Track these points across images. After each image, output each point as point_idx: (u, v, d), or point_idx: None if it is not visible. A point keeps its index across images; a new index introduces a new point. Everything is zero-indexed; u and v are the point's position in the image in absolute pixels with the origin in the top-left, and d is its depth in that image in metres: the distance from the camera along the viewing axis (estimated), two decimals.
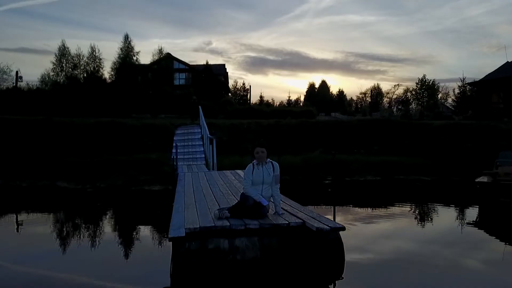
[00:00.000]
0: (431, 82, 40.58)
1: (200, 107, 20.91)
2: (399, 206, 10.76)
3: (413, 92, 42.78)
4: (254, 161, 5.81)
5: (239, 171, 11.57)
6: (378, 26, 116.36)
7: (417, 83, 40.86)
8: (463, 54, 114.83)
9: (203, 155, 17.08)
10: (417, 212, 10.38)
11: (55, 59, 40.88)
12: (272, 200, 5.85)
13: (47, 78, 44.91)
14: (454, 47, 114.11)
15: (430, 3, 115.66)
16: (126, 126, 19.99)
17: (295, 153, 18.43)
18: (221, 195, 7.71)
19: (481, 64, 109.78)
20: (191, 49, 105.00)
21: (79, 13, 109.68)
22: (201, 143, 18.37)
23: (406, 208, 10.69)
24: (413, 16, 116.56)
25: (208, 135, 14.90)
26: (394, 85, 76.73)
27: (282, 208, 5.97)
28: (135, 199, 11.69)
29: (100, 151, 17.12)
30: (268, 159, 5.89)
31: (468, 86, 36.43)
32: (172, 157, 16.81)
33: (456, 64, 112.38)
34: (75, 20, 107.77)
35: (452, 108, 73.57)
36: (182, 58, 52.77)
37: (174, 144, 18.69)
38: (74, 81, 39.62)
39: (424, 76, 40.32)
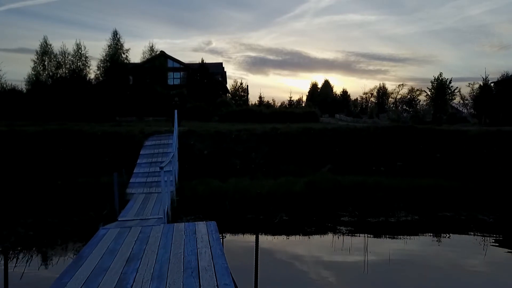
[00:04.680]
0: (448, 80, 35.36)
1: (176, 111, 16.00)
2: None
3: (429, 93, 37.47)
4: None
5: (202, 226, 6.63)
6: (378, 25, 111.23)
7: (432, 82, 35.73)
8: (465, 54, 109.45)
9: (173, 178, 12.12)
10: None
11: (36, 57, 36.07)
12: None
13: (34, 79, 39.81)
14: (456, 46, 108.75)
15: (430, 2, 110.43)
16: (82, 136, 15.10)
17: (297, 172, 13.49)
18: None
19: (483, 64, 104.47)
20: (190, 49, 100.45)
21: (79, 13, 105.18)
22: (175, 155, 13.43)
23: None
24: (413, 16, 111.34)
25: (162, 166, 8.43)
26: (398, 85, 71.58)
27: None
28: None
29: (31, 172, 12.24)
30: None
31: (493, 85, 31.16)
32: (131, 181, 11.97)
33: (457, 64, 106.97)
34: (75, 20, 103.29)
35: (460, 109, 68.32)
36: (182, 58, 48.25)
37: (139, 160, 13.92)
38: (55, 81, 34.79)
39: (440, 74, 35.12)
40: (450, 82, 35.52)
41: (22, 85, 41.00)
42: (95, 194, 10.45)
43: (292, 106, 51.49)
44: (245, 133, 16.36)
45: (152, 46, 41.43)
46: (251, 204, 10.51)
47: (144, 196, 10.76)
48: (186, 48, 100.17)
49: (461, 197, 11.29)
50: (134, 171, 12.75)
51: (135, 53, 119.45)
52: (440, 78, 35.22)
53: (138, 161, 13.65)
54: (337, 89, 65.69)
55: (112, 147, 14.56)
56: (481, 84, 35.15)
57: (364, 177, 12.69)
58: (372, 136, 16.49)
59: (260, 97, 50.69)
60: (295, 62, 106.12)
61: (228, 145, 15.48)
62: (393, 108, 59.10)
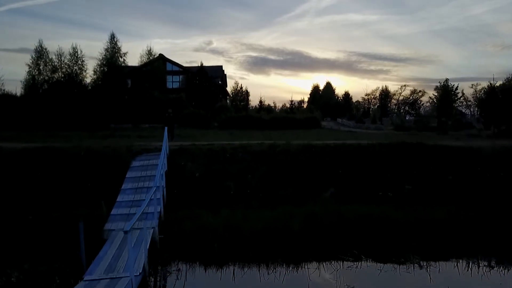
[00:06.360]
0: (454, 87, 33.67)
1: (166, 128, 14.70)
2: None
3: (434, 99, 35.88)
4: None
5: None
6: (380, 25, 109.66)
7: (437, 88, 34.11)
8: (467, 53, 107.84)
9: (159, 208, 10.77)
10: None
11: (31, 61, 34.72)
12: None
13: (31, 82, 38.17)
14: (458, 46, 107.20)
15: (432, 1, 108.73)
16: (64, 155, 13.81)
17: (296, 199, 12.16)
18: None
19: (485, 63, 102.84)
20: (191, 49, 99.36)
21: (80, 13, 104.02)
22: (162, 184, 12.08)
23: None
24: (415, 15, 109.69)
25: (127, 230, 6.57)
26: (401, 86, 69.99)
27: None
28: None
29: (0, 203, 10.91)
30: None
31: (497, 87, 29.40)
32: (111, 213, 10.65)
33: (460, 63, 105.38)
34: (75, 20, 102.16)
35: (463, 110, 66.69)
36: (183, 58, 47.14)
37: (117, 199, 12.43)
38: (50, 86, 33.43)
39: (446, 80, 33.43)
40: (456, 88, 33.95)
41: (20, 87, 39.97)
42: (68, 235, 9.11)
43: (293, 109, 50.04)
44: (241, 151, 15.03)
45: (150, 49, 40.09)
46: (243, 245, 9.21)
47: (123, 235, 9.45)
48: (186, 48, 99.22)
49: (478, 235, 9.91)
50: (117, 200, 11.43)
51: (135, 53, 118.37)
52: (446, 84, 33.57)
53: (123, 186, 12.33)
54: (339, 90, 64.26)
55: (96, 169, 13.24)
56: (486, 88, 33.63)
57: (370, 207, 11.34)
58: (377, 154, 15.13)
59: (261, 101, 49.22)
60: (296, 62, 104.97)
61: (222, 165, 14.14)
62: (396, 111, 57.58)
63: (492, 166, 14.08)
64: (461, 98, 36.71)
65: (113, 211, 10.76)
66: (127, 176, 12.88)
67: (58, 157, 13.73)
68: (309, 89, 62.08)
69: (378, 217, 10.59)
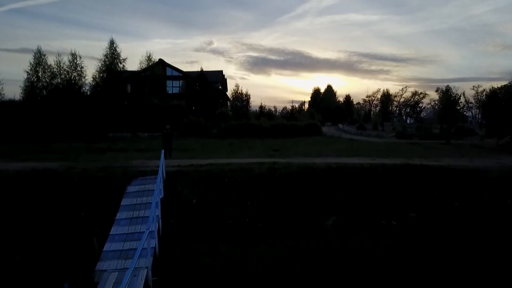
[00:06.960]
0: (457, 96, 33.01)
1: (163, 151, 14.19)
2: None
3: (436, 105, 35.28)
4: None
5: None
6: (381, 25, 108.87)
7: (439, 94, 33.47)
8: (468, 53, 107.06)
9: (153, 243, 10.25)
10: None
11: (29, 67, 34.23)
12: None
13: (30, 88, 37.52)
14: (459, 46, 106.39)
15: (433, 1, 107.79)
16: (58, 179, 13.32)
17: (297, 231, 11.64)
18: None
19: (486, 63, 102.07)
20: (192, 49, 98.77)
21: (81, 13, 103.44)
22: (157, 213, 11.55)
23: None
24: (416, 15, 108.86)
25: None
26: (402, 88, 69.21)
27: None
28: None
29: None
30: None
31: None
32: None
33: (461, 64, 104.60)
34: (76, 20, 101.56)
35: (465, 112, 65.97)
36: (183, 58, 46.91)
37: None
38: (49, 94, 32.90)
39: (447, 86, 32.80)
40: (459, 98, 33.31)
41: (19, 91, 39.61)
42: (56, 279, 8.61)
43: (294, 113, 49.35)
44: (240, 174, 14.52)
45: (150, 55, 39.50)
46: None
47: (116, 277, 8.95)
48: (187, 48, 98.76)
49: (488, 277, 9.38)
50: (111, 233, 10.91)
51: (136, 54, 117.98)
52: (448, 90, 32.89)
53: (118, 215, 11.82)
54: (340, 91, 63.74)
55: (90, 195, 12.72)
56: (488, 92, 33.01)
57: (374, 241, 10.82)
58: (380, 177, 14.61)
59: (261, 107, 48.44)
60: (296, 62, 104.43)
61: (220, 190, 13.62)
62: (397, 114, 56.96)
63: (499, 192, 13.55)
64: (464, 108, 36.13)
65: (106, 247, 10.26)
66: (122, 204, 12.36)
67: (51, 182, 13.23)
68: (309, 89, 61.95)
69: (383, 251, 10.10)
